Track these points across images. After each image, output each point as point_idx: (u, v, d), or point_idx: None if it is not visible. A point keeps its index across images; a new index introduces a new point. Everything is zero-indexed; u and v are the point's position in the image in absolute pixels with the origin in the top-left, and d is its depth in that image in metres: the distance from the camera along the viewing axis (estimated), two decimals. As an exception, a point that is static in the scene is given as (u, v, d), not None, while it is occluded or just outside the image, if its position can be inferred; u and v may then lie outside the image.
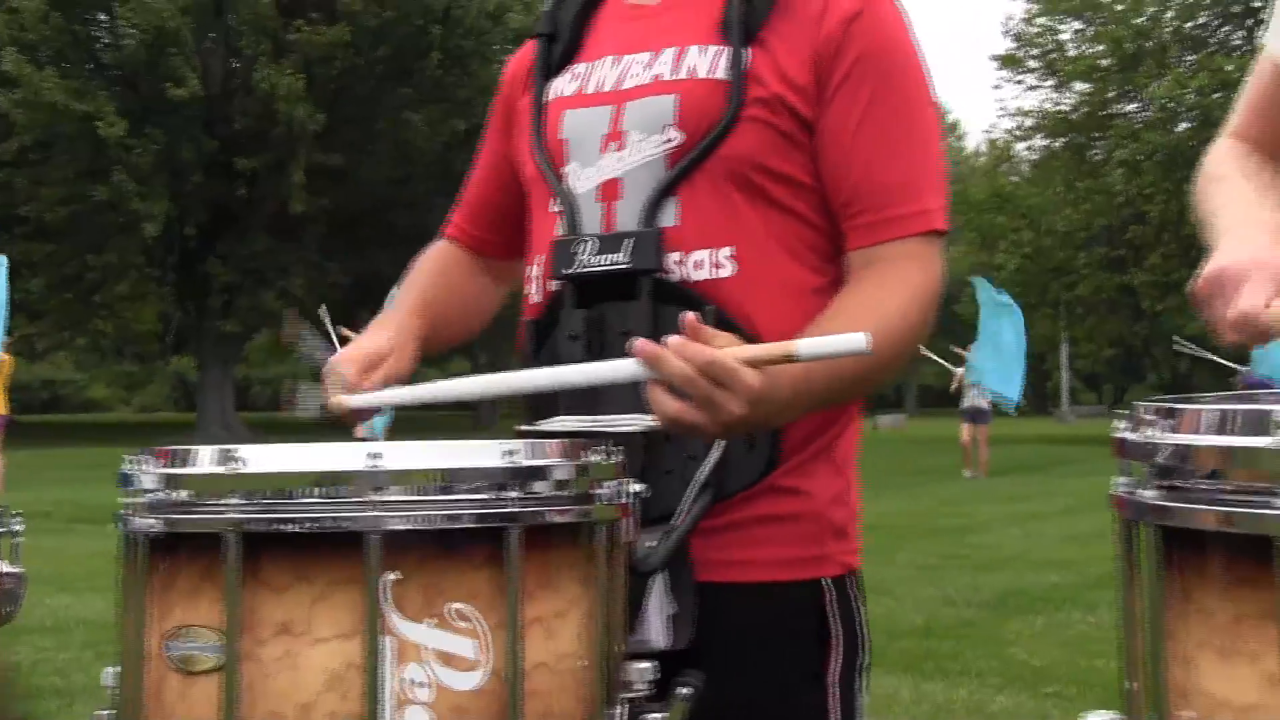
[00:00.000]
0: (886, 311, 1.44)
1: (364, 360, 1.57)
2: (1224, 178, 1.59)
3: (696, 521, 1.42)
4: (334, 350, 1.45)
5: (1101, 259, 31.62)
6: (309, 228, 30.84)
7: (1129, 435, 0.91)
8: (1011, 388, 16.38)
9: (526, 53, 1.75)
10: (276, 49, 28.79)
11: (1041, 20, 33.89)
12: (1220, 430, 0.85)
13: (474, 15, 30.65)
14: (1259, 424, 0.82)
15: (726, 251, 1.49)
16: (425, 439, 1.17)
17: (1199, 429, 0.86)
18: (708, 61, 1.53)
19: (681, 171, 1.50)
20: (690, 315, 1.27)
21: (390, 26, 29.58)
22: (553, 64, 1.67)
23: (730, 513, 1.47)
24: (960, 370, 18.03)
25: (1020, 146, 36.57)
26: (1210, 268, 1.36)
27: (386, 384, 1.57)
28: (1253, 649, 0.82)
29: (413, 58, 30.10)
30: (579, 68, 1.64)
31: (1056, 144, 34.14)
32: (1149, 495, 0.89)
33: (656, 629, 1.38)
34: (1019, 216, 33.05)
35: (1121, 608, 0.92)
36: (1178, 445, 0.86)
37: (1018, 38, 34.38)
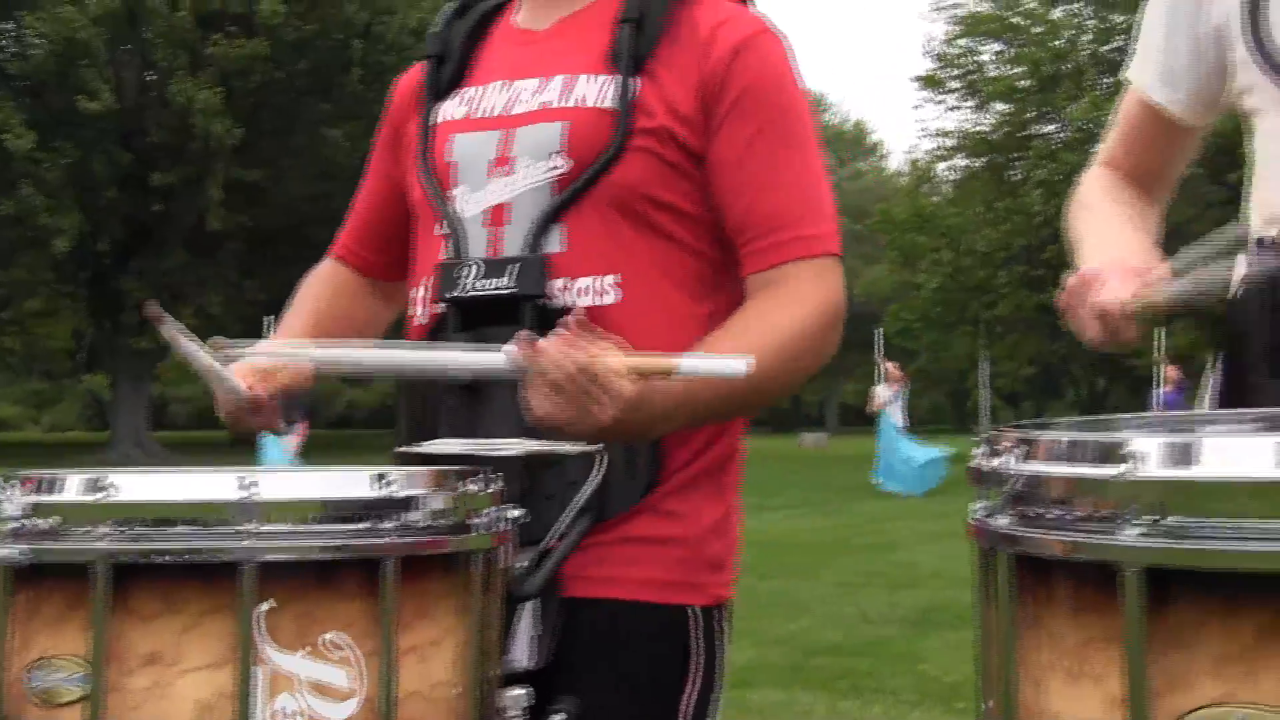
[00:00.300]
0: (780, 328, 1.46)
1: (258, 370, 1.56)
2: (1093, 206, 1.63)
3: (574, 547, 1.43)
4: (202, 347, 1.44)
5: (1020, 278, 32.13)
6: (227, 244, 30.43)
7: (984, 463, 0.93)
8: (896, 480, 16.64)
9: (415, 74, 1.75)
10: (193, 62, 28.41)
11: (962, 41, 34.47)
12: (1069, 460, 0.86)
13: (396, 31, 30.49)
14: (1106, 453, 0.84)
15: (611, 279, 1.51)
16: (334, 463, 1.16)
17: (1049, 458, 0.87)
18: (596, 90, 1.54)
19: (568, 199, 1.51)
20: (574, 316, 1.28)
21: (311, 41, 29.33)
22: (441, 86, 1.67)
23: (607, 530, 1.48)
24: (879, 388, 18.21)
25: (941, 166, 37.14)
26: (1074, 276, 1.42)
27: (285, 395, 1.56)
28: (1098, 671, 0.84)
29: (333, 73, 29.84)
30: (468, 91, 1.64)
31: (977, 164, 34.71)
32: (1003, 523, 0.90)
33: (522, 650, 1.38)
34: (940, 236, 33.53)
35: (979, 629, 0.94)
36: (1028, 474, 0.88)
37: (939, 58, 34.93)
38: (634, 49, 1.54)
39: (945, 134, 35.45)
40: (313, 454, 13.00)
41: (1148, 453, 0.82)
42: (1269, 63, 1.42)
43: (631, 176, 1.51)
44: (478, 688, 1.18)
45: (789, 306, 1.49)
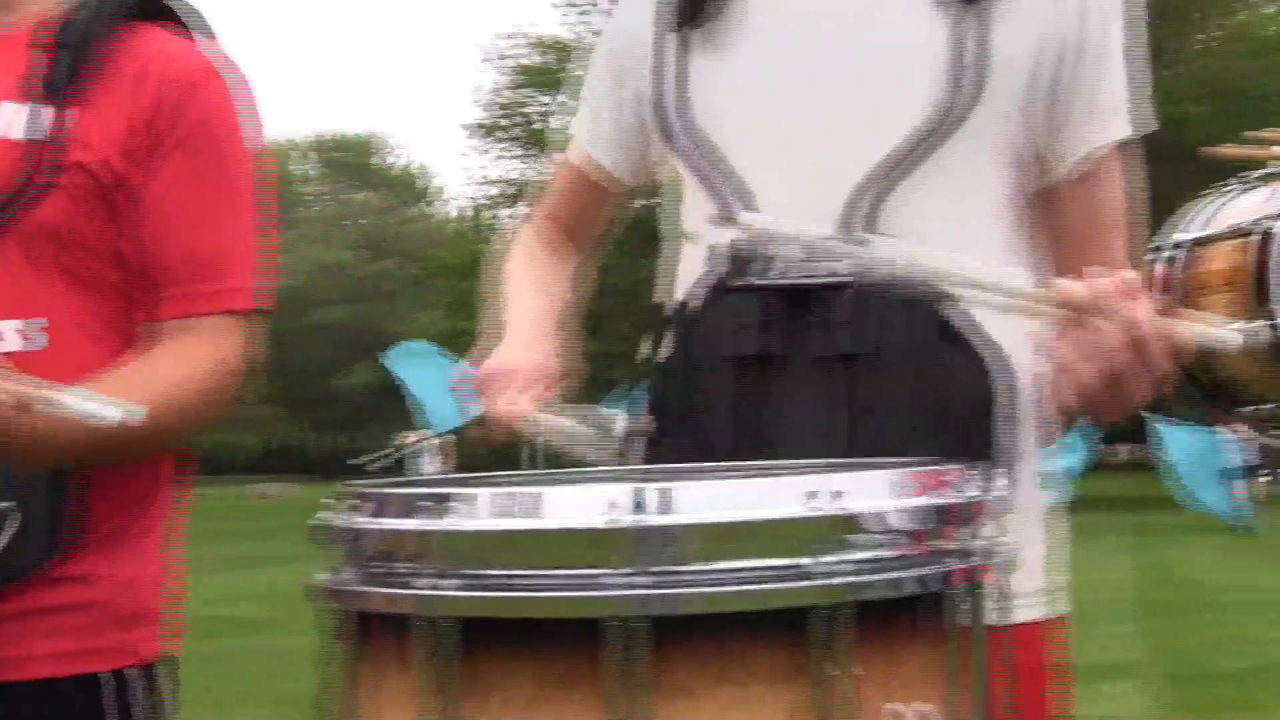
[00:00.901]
0: (176, 382, 1.43)
1: None
2: (521, 275, 1.70)
3: None
4: None
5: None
6: None
7: (325, 519, 0.93)
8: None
9: None
10: None
11: (515, 92, 35.29)
12: (401, 513, 0.87)
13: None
14: (423, 507, 0.86)
15: (30, 324, 1.42)
16: None
17: (381, 513, 0.89)
18: (15, 120, 1.44)
19: None
20: None
21: None
22: None
23: (8, 602, 1.38)
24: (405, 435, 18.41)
25: (496, 214, 37.76)
26: (484, 366, 1.49)
27: None
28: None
29: None
30: None
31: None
32: (336, 579, 0.91)
33: None
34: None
35: (325, 688, 0.94)
36: (359, 529, 0.89)
37: (497, 106, 35.56)
38: (66, 76, 1.45)
39: (501, 181, 36.16)
40: None
41: (465, 506, 0.84)
42: (692, 140, 1.49)
43: (58, 215, 1.42)
44: None
45: (190, 361, 1.46)
